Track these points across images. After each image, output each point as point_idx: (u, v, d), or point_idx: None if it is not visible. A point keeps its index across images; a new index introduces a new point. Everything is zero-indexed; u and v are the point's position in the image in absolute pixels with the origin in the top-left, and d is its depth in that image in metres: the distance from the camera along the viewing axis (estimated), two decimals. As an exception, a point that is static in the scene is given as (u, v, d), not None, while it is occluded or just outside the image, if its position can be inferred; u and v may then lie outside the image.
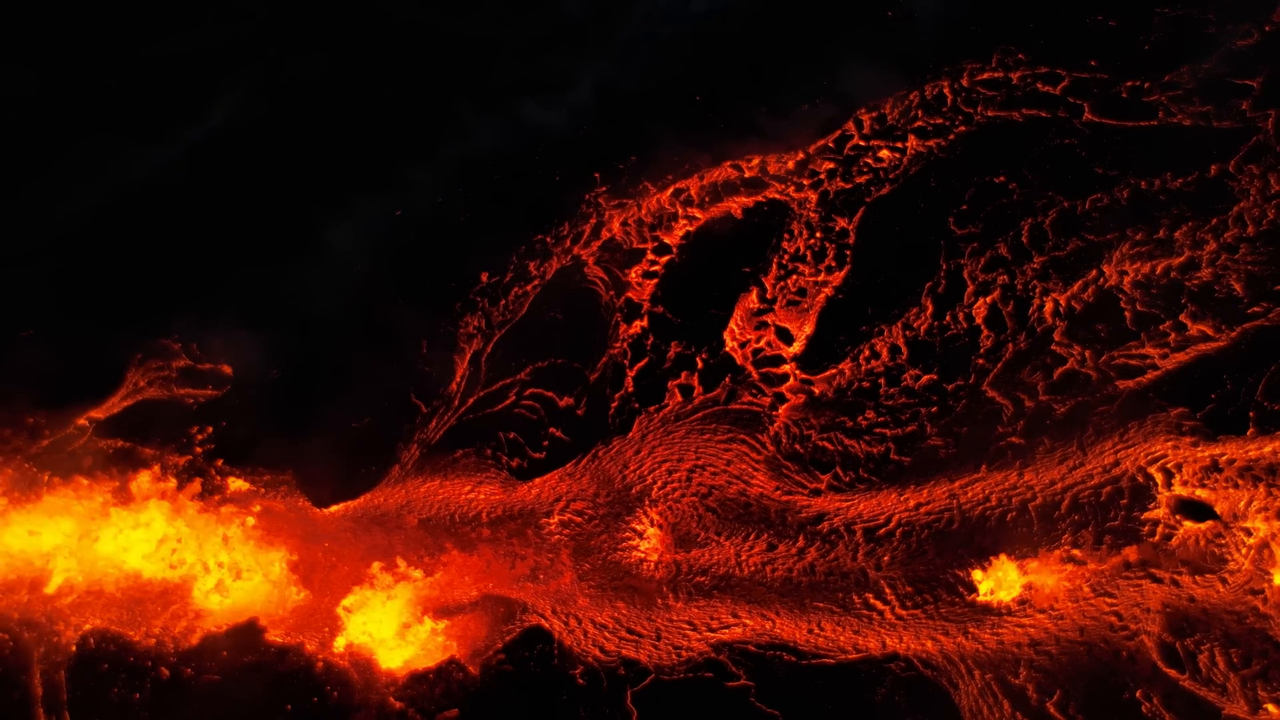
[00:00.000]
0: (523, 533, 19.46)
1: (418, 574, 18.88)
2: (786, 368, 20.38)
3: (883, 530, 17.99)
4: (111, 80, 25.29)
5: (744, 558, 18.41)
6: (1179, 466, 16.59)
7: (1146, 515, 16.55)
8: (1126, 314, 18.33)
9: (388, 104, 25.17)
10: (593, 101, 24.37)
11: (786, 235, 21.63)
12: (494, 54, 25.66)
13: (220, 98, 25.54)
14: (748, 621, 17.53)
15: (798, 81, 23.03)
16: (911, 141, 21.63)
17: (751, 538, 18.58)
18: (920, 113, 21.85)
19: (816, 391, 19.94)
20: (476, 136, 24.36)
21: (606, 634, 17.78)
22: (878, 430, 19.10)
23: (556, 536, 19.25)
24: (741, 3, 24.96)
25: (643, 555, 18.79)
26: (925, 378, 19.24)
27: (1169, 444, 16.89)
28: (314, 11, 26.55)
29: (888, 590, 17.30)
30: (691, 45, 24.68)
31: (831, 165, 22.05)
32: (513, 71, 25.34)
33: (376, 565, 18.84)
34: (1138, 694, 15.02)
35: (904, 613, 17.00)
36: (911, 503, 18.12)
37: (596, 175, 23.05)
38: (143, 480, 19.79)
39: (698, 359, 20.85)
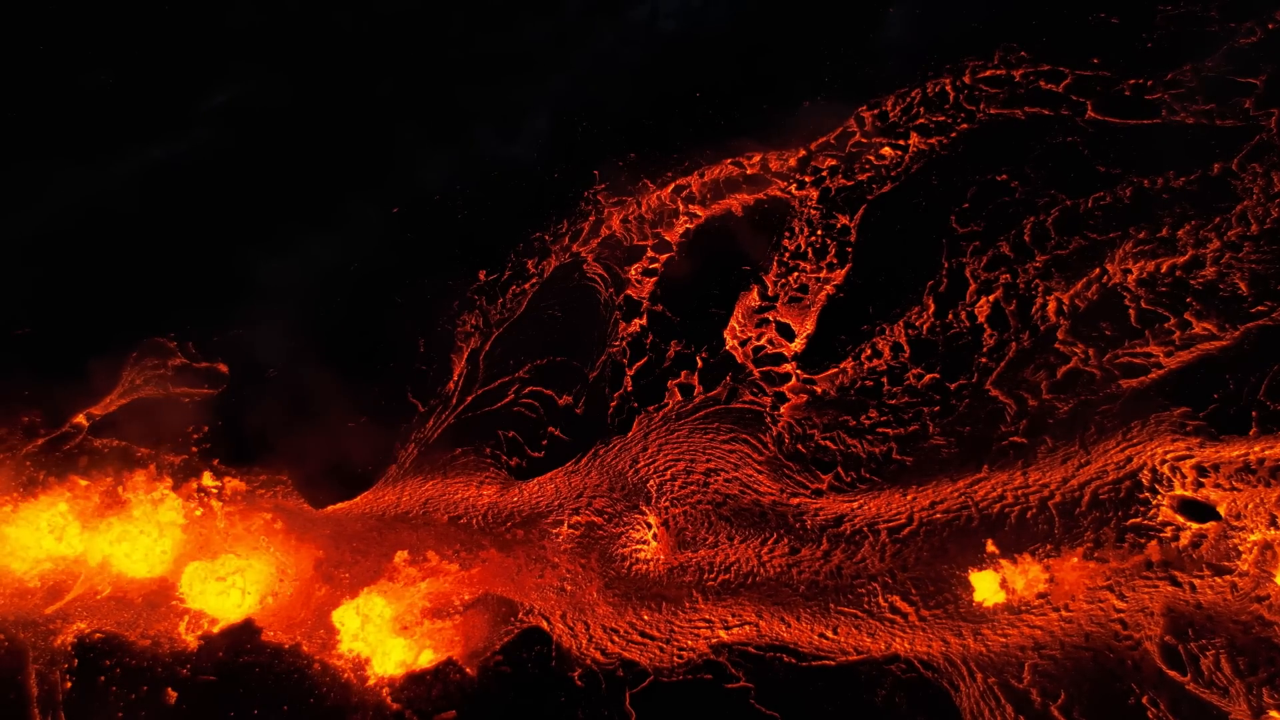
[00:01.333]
0: (548, 535, 19.27)
1: (432, 570, 18.76)
2: (788, 367, 20.26)
3: (905, 531, 17.85)
4: (109, 79, 25.24)
5: (766, 560, 18.25)
6: (1184, 466, 16.50)
7: (1156, 516, 16.45)
8: (1131, 312, 18.23)
9: (382, 102, 25.09)
10: (592, 98, 24.26)
11: (787, 233, 21.51)
12: (486, 53, 25.59)
13: (216, 91, 25.53)
14: (761, 623, 17.39)
15: (800, 78, 22.93)
16: (913, 139, 21.52)
17: (771, 541, 18.44)
18: (922, 110, 21.74)
19: (818, 391, 19.82)
20: (473, 135, 24.27)
21: (616, 637, 17.65)
22: (880, 430, 18.98)
23: (582, 541, 19.00)
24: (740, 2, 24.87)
25: (650, 557, 18.65)
26: (928, 376, 19.12)
27: (1172, 444, 16.80)
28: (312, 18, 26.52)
29: (914, 591, 17.14)
30: (690, 41, 24.58)
31: (833, 162, 21.93)
32: (509, 72, 25.27)
33: (396, 560, 18.73)
34: (1144, 699, 14.92)
35: (927, 613, 16.86)
36: (925, 502, 18.01)
37: (595, 173, 22.93)
38: (138, 479, 19.66)
39: (697, 358, 20.72)
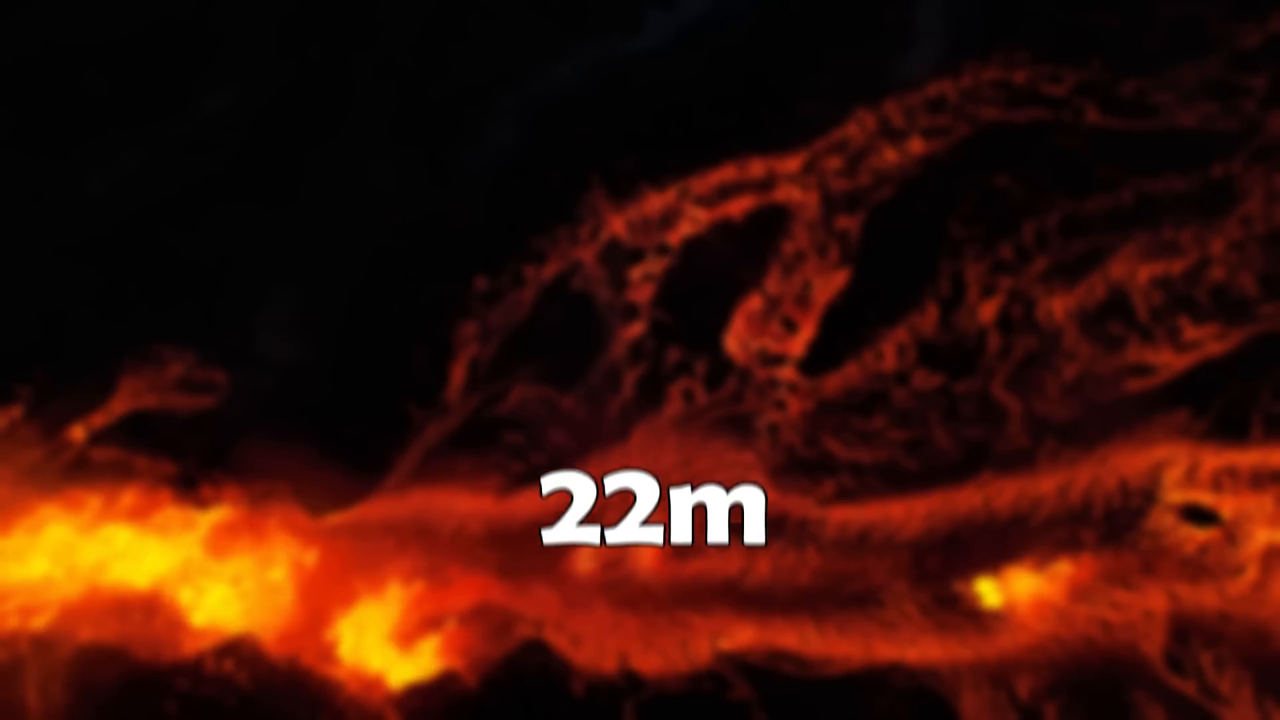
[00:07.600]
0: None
1: (436, 581, 18.72)
2: (789, 372, 20.23)
3: (914, 535, 17.78)
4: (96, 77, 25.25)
5: (776, 566, 18.15)
6: (1187, 470, 16.46)
7: (1156, 520, 16.41)
8: (1134, 314, 18.20)
9: (379, 99, 25.03)
10: (589, 99, 24.21)
11: (788, 237, 21.48)
12: (484, 44, 25.53)
13: (215, 94, 25.49)
14: (783, 626, 17.27)
15: (801, 81, 22.87)
16: (914, 142, 21.47)
17: (781, 547, 18.35)
18: (923, 113, 21.69)
19: (821, 396, 19.81)
20: (470, 135, 24.23)
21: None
22: (885, 434, 18.97)
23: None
24: (739, 3, 24.80)
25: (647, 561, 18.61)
26: (932, 380, 19.11)
27: (1176, 447, 16.76)
28: None
29: (929, 596, 16.99)
30: (689, 45, 24.54)
31: (835, 165, 21.89)
32: (508, 64, 25.21)
33: (400, 572, 18.68)
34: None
35: (941, 619, 16.75)
36: (930, 507, 17.95)
37: (594, 176, 22.90)
38: (135, 490, 19.64)
39: (698, 363, 20.70)
